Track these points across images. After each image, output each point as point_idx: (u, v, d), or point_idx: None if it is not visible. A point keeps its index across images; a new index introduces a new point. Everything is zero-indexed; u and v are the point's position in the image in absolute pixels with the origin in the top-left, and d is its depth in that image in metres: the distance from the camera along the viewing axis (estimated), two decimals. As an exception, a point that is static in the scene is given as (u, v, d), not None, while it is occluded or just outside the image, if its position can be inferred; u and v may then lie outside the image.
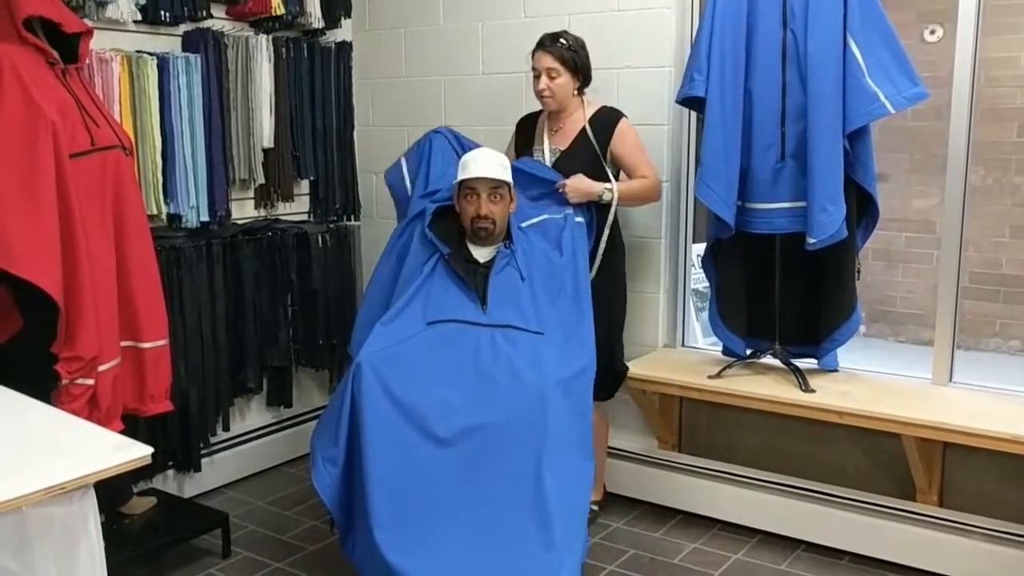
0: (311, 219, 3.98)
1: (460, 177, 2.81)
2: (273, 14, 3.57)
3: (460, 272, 2.78)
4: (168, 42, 3.39)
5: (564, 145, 3.16)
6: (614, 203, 3.07)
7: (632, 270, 3.49)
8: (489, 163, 2.81)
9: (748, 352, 3.24)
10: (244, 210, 3.75)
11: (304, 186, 3.97)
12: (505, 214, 2.84)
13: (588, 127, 3.11)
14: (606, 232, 3.11)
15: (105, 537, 2.83)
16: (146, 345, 2.84)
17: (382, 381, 2.50)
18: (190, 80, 3.33)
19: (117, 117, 3.11)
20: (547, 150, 3.17)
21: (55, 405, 2.57)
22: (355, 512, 2.46)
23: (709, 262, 3.24)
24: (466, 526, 2.35)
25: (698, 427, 3.53)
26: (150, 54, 3.23)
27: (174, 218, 3.38)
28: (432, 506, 2.38)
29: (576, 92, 3.13)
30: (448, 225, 2.88)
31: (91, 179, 2.63)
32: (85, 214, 2.60)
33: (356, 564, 2.51)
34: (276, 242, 3.71)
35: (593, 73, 3.16)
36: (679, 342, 3.56)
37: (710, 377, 3.13)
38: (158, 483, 3.44)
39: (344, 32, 4.04)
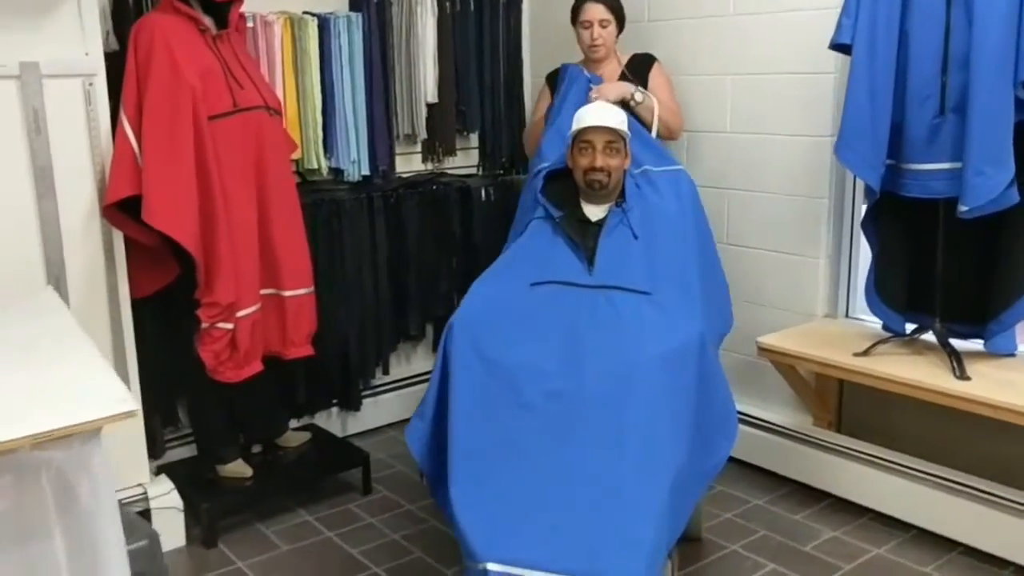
0: (479, 173, 4.04)
1: (575, 127, 2.73)
2: (436, -33, 3.62)
3: (570, 233, 2.71)
4: (335, 1, 3.54)
5: None
6: (654, 127, 3.15)
7: (791, 231, 3.24)
8: (606, 114, 2.71)
9: (909, 329, 2.90)
10: (411, 164, 3.87)
11: (473, 140, 4.03)
12: (621, 168, 2.73)
13: (626, 71, 3.26)
14: None
15: (259, 466, 3.20)
16: (288, 293, 3.05)
17: (474, 341, 2.50)
18: (351, 38, 3.46)
19: (280, 76, 3.32)
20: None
21: (198, 347, 2.86)
22: (443, 467, 2.51)
23: (870, 226, 2.92)
24: (540, 493, 2.31)
25: (858, 407, 3.23)
26: (313, 15, 3.39)
27: (337, 172, 3.56)
28: (510, 468, 2.35)
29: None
30: (561, 187, 2.81)
31: (232, 138, 2.83)
32: (225, 171, 2.81)
33: (446, 516, 2.56)
34: (439, 195, 3.81)
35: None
36: (842, 312, 3.26)
37: (855, 355, 2.84)
38: (321, 420, 3.71)
39: (516, -17, 4.01)
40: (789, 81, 3.19)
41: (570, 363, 2.46)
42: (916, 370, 2.70)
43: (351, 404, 3.74)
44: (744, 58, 3.32)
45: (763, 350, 3.05)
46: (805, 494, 3.22)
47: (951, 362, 2.67)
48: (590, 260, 2.66)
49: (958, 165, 2.49)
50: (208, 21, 2.87)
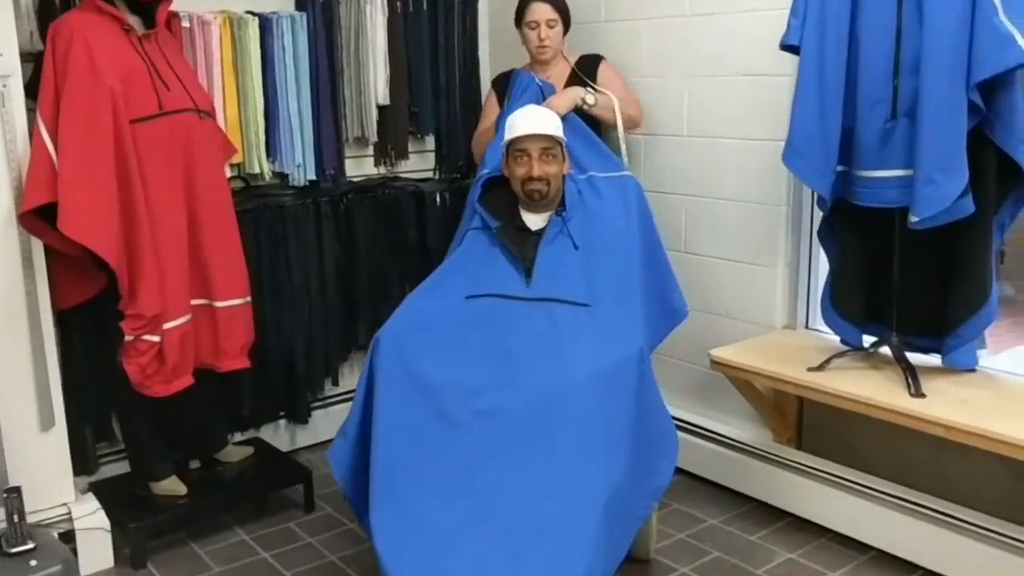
0: (436, 177, 3.91)
1: (508, 137, 2.60)
2: (386, -32, 3.50)
3: (508, 244, 2.59)
4: (280, 1, 3.41)
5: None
6: (619, 122, 3.08)
7: (748, 239, 3.12)
8: (539, 120, 2.59)
9: (868, 342, 2.78)
10: (363, 168, 3.74)
11: (429, 143, 3.90)
12: (559, 175, 2.61)
13: (576, 70, 3.19)
14: (624, 157, 3.03)
15: (196, 483, 3.07)
16: (220, 304, 2.92)
17: (402, 356, 2.39)
18: (296, 38, 3.34)
19: (219, 78, 3.20)
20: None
21: (123, 360, 2.74)
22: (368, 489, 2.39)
23: (827, 234, 2.80)
24: (466, 519, 2.19)
25: (819, 422, 3.11)
26: (254, 14, 3.26)
27: (282, 176, 3.44)
28: (435, 493, 2.24)
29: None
30: (500, 195, 2.69)
31: (158, 142, 2.71)
32: (150, 176, 2.69)
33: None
34: (391, 200, 3.67)
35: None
36: (802, 323, 3.14)
37: (810, 369, 2.72)
38: (268, 433, 3.58)
39: (471, -16, 3.89)
40: (745, 83, 3.07)
41: (502, 380, 2.35)
42: (870, 386, 2.58)
43: (299, 417, 3.62)
44: (700, 59, 3.21)
45: (716, 363, 2.93)
46: (764, 512, 3.10)
47: (906, 378, 2.54)
48: (528, 272, 2.55)
49: (911, 172, 2.37)
50: (134, 21, 2.74)
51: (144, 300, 2.69)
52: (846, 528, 2.89)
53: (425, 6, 3.70)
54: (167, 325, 2.76)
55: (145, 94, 2.69)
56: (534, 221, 2.64)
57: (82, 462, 3.12)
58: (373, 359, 2.41)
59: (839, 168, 2.54)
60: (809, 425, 3.16)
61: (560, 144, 2.61)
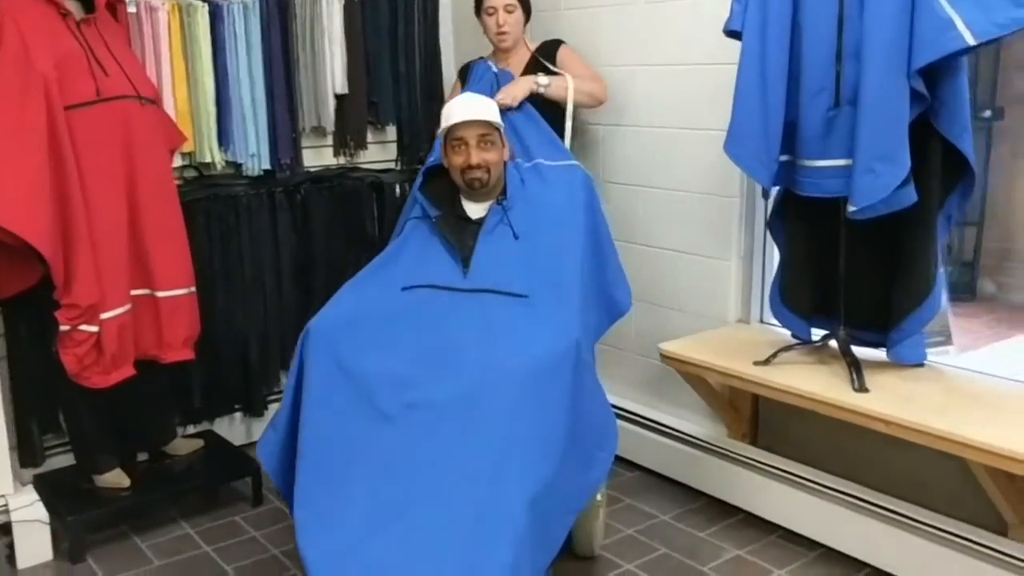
0: (397, 167, 3.86)
1: (444, 125, 2.56)
2: (340, -48, 3.45)
3: (446, 234, 2.54)
4: (234, -13, 3.36)
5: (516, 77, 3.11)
6: (570, 101, 3.04)
7: (702, 231, 3.07)
8: (475, 106, 2.54)
9: (817, 336, 2.73)
10: (322, 158, 3.69)
11: (391, 133, 3.85)
12: (499, 162, 2.57)
13: (534, 64, 3.14)
14: (567, 138, 3.02)
15: (142, 475, 3.03)
16: (162, 294, 2.88)
17: (332, 348, 2.34)
18: (248, 26, 3.30)
19: (167, 65, 3.15)
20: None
21: (59, 351, 2.69)
22: (296, 483, 2.34)
23: (777, 224, 2.75)
24: (390, 514, 2.14)
25: (773, 417, 3.05)
26: (205, 1, 3.22)
27: (236, 166, 3.39)
28: (360, 488, 2.18)
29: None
30: (442, 184, 2.64)
31: (95, 129, 2.67)
32: (86, 164, 2.65)
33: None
34: (349, 190, 3.63)
35: None
36: (756, 317, 3.09)
37: (756, 363, 2.67)
38: (223, 426, 3.54)
39: (431, -29, 3.84)
40: (700, 72, 3.02)
41: (434, 372, 2.30)
42: (814, 381, 2.53)
43: (254, 409, 3.57)
44: (657, 48, 3.15)
45: (665, 357, 2.88)
46: (717, 509, 3.05)
47: (851, 373, 2.49)
48: (466, 262, 2.50)
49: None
50: (72, 6, 2.70)
51: (80, 289, 2.65)
52: (795, 525, 2.84)
53: (383, -6, 3.65)
54: (105, 315, 2.72)
55: (82, 80, 2.64)
56: (475, 210, 2.60)
57: (28, 454, 3.09)
58: (303, 350, 2.36)
59: (784, 158, 2.48)
60: (765, 421, 3.11)
61: (498, 130, 2.56)
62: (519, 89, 2.96)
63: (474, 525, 2.08)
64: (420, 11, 3.75)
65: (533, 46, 3.21)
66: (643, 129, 3.25)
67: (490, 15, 3.13)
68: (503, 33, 3.12)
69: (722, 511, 3.03)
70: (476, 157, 2.52)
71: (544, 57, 3.17)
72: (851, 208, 2.29)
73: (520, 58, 3.21)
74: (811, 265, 2.66)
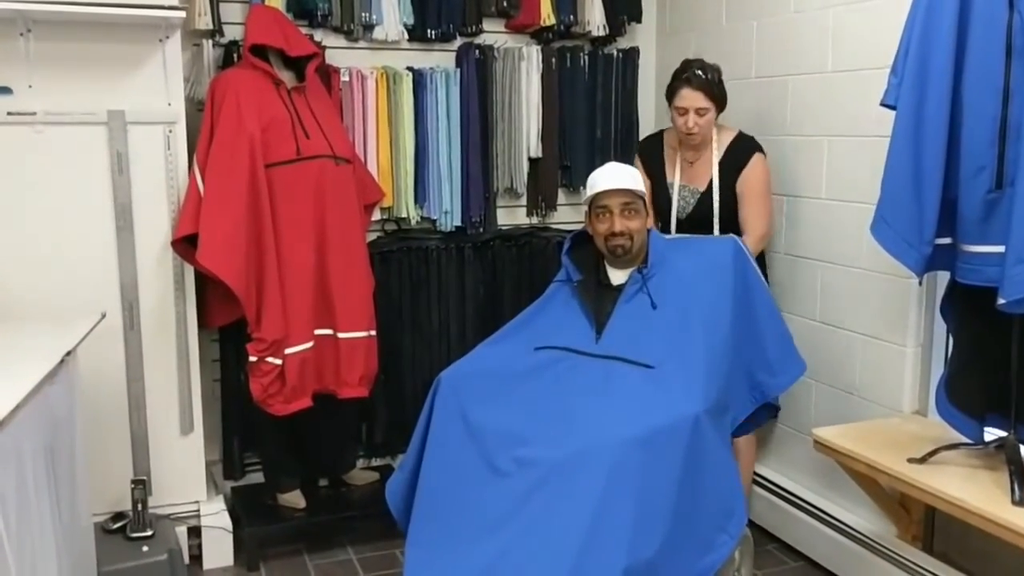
0: (588, 228, 3.95)
1: (588, 194, 2.62)
2: (543, 24, 3.63)
3: (584, 298, 2.60)
4: (442, 57, 3.65)
5: (701, 185, 3.10)
6: None
7: (877, 313, 2.89)
8: (618, 175, 2.59)
9: (990, 437, 2.46)
10: (516, 217, 3.88)
11: (584, 195, 3.94)
12: (642, 230, 2.59)
13: (721, 167, 3.05)
14: None
15: (320, 499, 3.31)
16: (342, 335, 3.15)
17: (459, 400, 2.46)
18: (448, 93, 3.56)
19: (373, 128, 3.47)
20: (677, 186, 3.07)
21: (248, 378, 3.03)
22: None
23: (947, 309, 2.53)
24: (487, 564, 2.21)
25: (952, 522, 2.77)
26: (411, 70, 3.52)
27: (430, 221, 3.65)
28: (468, 536, 2.28)
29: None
30: (589, 249, 2.70)
31: (293, 184, 3.00)
32: (281, 215, 2.99)
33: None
34: (536, 248, 3.78)
35: None
36: (934, 410, 2.82)
37: (910, 460, 2.45)
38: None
39: (633, 38, 3.92)
40: (881, 145, 2.84)
41: (552, 433, 2.35)
42: (969, 487, 2.28)
43: (431, 450, 3.77)
44: (842, 117, 3.02)
45: (818, 444, 2.72)
46: (876, 614, 2.81)
47: (1011, 481, 2.23)
48: (599, 327, 2.53)
49: (1016, 249, 2.10)
50: (286, 76, 3.07)
51: (267, 326, 2.97)
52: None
53: (583, 63, 3.78)
54: (288, 350, 3.03)
55: (285, 141, 2.99)
56: (617, 276, 2.63)
57: (229, 467, 3.48)
58: (433, 397, 2.51)
59: (943, 241, 2.29)
60: (941, 524, 2.83)
61: (641, 199, 2.59)
62: None
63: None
64: (619, 78, 3.85)
65: (727, 137, 3.11)
66: (824, 202, 3.12)
67: (681, 114, 3.02)
68: (691, 134, 3.03)
69: (883, 617, 2.79)
70: (619, 225, 2.57)
71: (733, 164, 3.06)
72: (1000, 301, 2.07)
73: (705, 160, 3.10)
74: (984, 357, 2.42)
